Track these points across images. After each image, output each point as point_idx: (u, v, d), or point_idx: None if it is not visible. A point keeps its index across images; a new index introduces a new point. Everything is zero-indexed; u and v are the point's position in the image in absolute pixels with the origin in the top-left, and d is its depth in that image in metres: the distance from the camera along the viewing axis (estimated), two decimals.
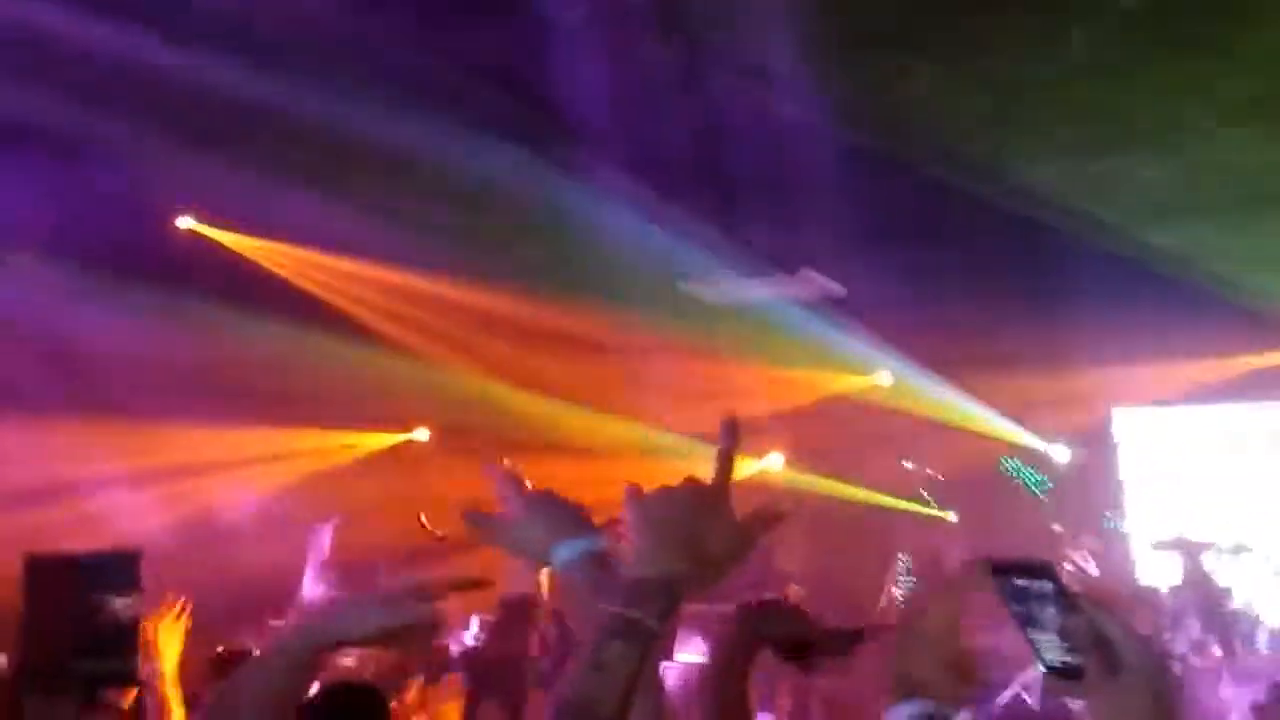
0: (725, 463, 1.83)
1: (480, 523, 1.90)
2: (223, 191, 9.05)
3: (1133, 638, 1.71)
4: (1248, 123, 7.37)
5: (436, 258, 9.80)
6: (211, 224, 10.15)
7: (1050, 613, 1.79)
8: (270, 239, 10.38)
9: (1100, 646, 1.71)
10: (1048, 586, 1.80)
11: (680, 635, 10.74)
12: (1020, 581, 1.82)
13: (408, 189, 8.77)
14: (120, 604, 2.63)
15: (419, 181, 8.62)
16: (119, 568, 2.69)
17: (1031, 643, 1.80)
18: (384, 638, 2.03)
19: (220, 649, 4.25)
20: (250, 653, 3.92)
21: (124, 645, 2.55)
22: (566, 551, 1.82)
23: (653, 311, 10.44)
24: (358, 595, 2.05)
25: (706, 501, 1.79)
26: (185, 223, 10.08)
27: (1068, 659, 1.76)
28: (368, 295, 10.88)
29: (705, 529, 1.76)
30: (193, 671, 4.76)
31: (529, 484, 1.92)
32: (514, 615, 8.99)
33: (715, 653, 2.89)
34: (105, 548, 2.95)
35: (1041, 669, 1.79)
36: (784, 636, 2.75)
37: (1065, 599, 1.78)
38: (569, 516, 1.88)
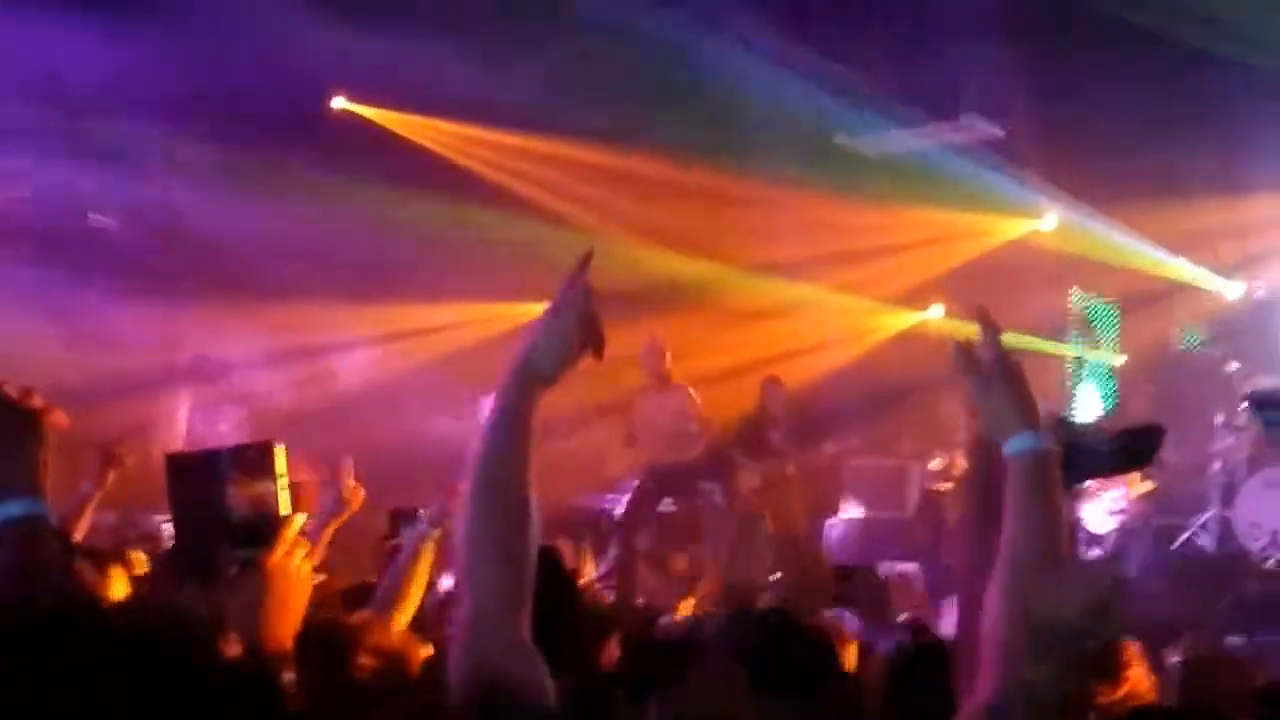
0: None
1: (967, 363, 1.97)
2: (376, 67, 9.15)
3: None
4: None
5: (588, 123, 9.79)
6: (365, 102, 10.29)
7: None
8: (422, 113, 10.48)
9: None
10: None
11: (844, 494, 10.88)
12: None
13: (560, 52, 8.77)
14: (260, 490, 2.74)
15: (573, 43, 8.61)
16: (255, 458, 2.80)
17: None
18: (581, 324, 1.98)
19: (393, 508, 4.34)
20: (418, 510, 4.02)
21: (265, 531, 2.65)
22: (1021, 443, 1.90)
23: (809, 166, 10.31)
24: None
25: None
26: (339, 103, 10.25)
27: None
28: (517, 165, 10.94)
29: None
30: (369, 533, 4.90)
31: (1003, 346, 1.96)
32: None
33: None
34: (241, 441, 3.07)
35: None
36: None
37: None
38: (1029, 404, 1.94)
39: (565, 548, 5.61)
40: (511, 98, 9.39)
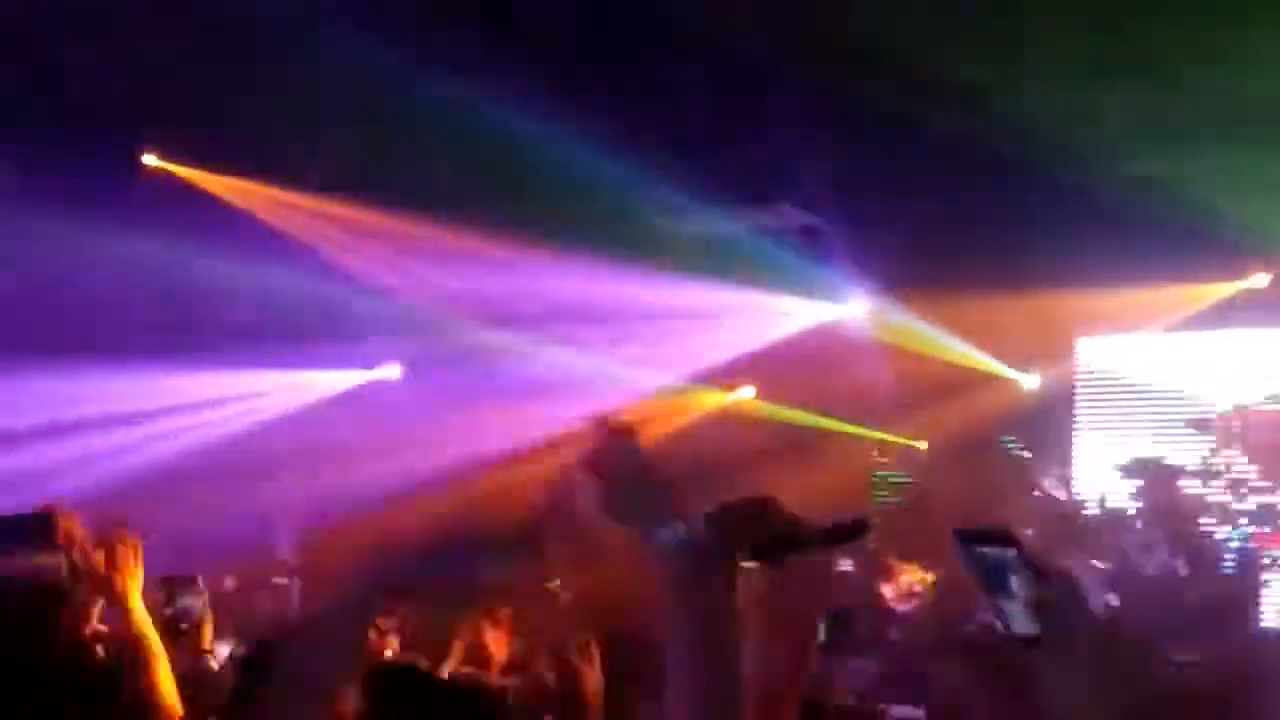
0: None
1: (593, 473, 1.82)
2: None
3: (1085, 609, 1.77)
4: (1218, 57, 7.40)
5: (403, 195, 9.70)
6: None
7: (1015, 581, 1.79)
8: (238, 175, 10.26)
9: (1058, 615, 1.73)
10: (1011, 554, 1.81)
11: None
12: (985, 549, 1.83)
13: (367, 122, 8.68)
14: (39, 561, 2.58)
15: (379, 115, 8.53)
16: (34, 527, 2.64)
17: (1000, 612, 1.81)
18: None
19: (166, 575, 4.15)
20: (195, 580, 3.97)
21: (45, 603, 2.50)
22: (668, 535, 1.73)
23: (624, 246, 10.38)
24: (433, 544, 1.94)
25: None
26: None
27: (1036, 627, 1.77)
28: (330, 231, 10.77)
29: None
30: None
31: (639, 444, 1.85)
32: None
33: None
34: (21, 509, 2.91)
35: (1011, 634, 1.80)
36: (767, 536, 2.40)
37: (1029, 567, 1.80)
38: (667, 494, 1.82)
39: None
40: (320, 160, 9.27)
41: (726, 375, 12.06)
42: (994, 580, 1.80)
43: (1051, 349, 11.78)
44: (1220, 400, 10.97)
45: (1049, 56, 7.77)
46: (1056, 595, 1.74)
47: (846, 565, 9.61)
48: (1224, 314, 11.00)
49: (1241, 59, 7.76)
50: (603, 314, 11.12)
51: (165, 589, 4.07)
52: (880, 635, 9.09)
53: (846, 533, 1.96)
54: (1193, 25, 7.24)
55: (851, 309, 11.85)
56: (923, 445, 12.15)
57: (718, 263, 10.76)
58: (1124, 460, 10.86)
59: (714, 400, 12.20)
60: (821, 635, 3.19)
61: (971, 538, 1.84)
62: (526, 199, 9.80)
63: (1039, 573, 1.78)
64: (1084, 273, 10.36)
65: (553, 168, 9.06)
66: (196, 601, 3.95)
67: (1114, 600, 9.93)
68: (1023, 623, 1.77)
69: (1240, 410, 10.65)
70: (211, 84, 8.18)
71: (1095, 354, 11.94)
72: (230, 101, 8.32)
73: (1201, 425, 10.60)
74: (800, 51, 7.94)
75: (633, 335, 11.30)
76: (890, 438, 12.18)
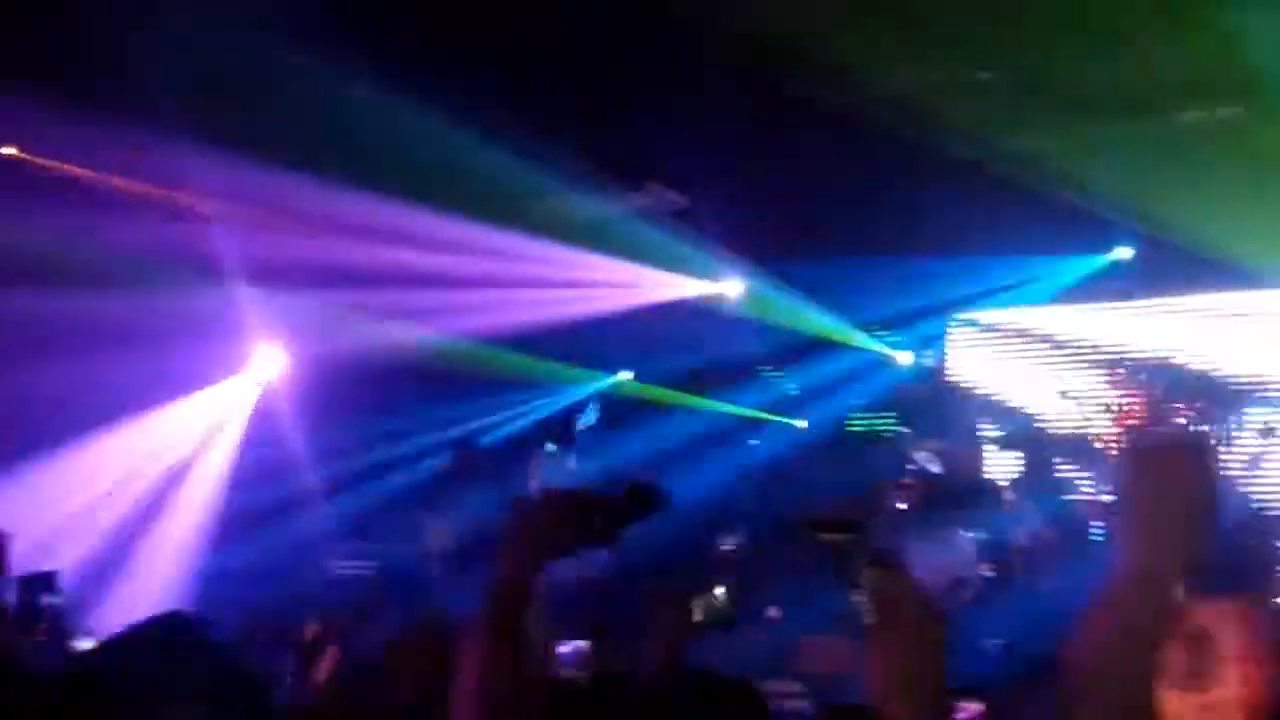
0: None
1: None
2: None
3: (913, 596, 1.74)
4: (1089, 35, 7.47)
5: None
6: None
7: (857, 567, 1.79)
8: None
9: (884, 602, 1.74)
10: (858, 541, 1.80)
11: None
12: (831, 536, 1.81)
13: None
14: None
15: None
16: None
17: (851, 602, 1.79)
18: None
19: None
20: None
21: None
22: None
23: (496, 225, 10.20)
24: None
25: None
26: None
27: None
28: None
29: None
30: None
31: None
32: None
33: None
34: None
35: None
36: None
37: (868, 554, 1.79)
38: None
39: None
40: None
41: (601, 355, 11.95)
42: (841, 568, 1.76)
43: (926, 323, 11.89)
44: (1088, 372, 11.18)
45: (920, 34, 7.76)
46: (883, 581, 1.75)
47: None
48: (1091, 287, 11.19)
49: (1109, 40, 7.85)
50: (471, 288, 10.89)
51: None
52: None
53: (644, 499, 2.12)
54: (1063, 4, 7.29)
55: (725, 286, 11.80)
56: (802, 424, 12.19)
57: (591, 241, 10.63)
58: (997, 432, 11.00)
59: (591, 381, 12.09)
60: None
61: (818, 525, 1.79)
62: (404, 178, 9.55)
63: (874, 559, 1.76)
64: (957, 247, 10.47)
65: (426, 148, 8.86)
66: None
67: (986, 571, 10.09)
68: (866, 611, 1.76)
69: (1110, 380, 10.86)
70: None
71: (968, 328, 12.07)
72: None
73: (1071, 397, 10.75)
74: (670, 33, 7.85)
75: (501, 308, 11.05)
76: (767, 417, 12.20)
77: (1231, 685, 1.72)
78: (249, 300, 10.62)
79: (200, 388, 11.33)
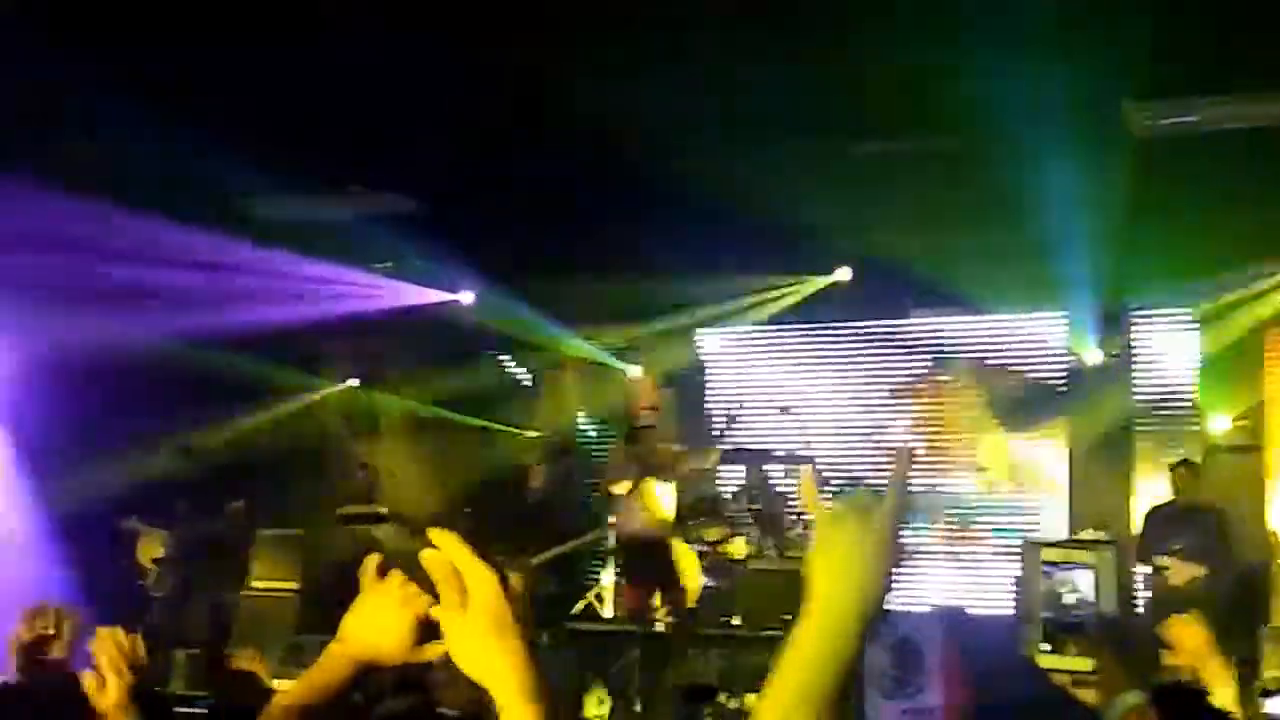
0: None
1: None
2: None
3: None
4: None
5: None
6: None
7: None
8: None
9: None
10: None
11: None
12: None
13: None
14: None
15: None
16: None
17: None
18: None
19: None
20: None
21: None
22: None
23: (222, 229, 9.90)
24: None
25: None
26: None
27: None
28: None
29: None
30: None
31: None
32: None
33: None
34: None
35: None
36: None
37: None
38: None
39: None
40: None
41: (326, 356, 11.75)
42: None
43: (665, 339, 12.03)
44: (808, 389, 11.56)
45: (625, 50, 7.83)
46: None
47: None
48: (814, 307, 11.54)
49: (822, 65, 8.05)
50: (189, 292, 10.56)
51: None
52: None
53: None
54: (746, 25, 7.50)
55: (459, 297, 11.74)
56: (533, 434, 12.20)
57: (319, 247, 10.42)
58: (723, 448, 11.23)
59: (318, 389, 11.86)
60: None
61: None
62: (127, 183, 9.17)
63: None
64: (690, 266, 10.65)
65: (148, 153, 8.54)
66: None
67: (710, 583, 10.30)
68: None
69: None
70: None
71: (704, 344, 12.29)
72: None
73: (790, 412, 11.06)
74: (403, 44, 7.76)
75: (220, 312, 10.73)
76: (504, 428, 12.17)
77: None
78: None
79: None
